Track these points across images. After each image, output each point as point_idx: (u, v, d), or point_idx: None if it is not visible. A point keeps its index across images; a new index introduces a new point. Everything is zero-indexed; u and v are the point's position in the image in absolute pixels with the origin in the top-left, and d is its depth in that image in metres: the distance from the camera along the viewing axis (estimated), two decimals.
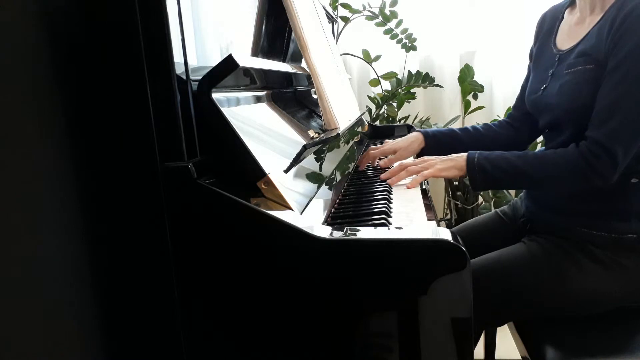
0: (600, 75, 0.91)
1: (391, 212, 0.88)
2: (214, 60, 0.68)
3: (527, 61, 1.19)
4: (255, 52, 0.98)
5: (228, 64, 0.64)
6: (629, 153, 0.89)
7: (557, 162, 0.94)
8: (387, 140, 1.33)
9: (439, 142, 1.23)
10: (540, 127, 1.09)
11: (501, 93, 2.19)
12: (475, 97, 2.08)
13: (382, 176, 1.10)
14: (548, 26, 1.12)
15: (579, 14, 1.03)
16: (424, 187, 1.06)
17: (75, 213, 0.58)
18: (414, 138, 1.24)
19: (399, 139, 1.25)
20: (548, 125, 1.06)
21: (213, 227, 0.61)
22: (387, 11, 2.06)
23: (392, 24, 2.08)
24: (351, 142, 1.31)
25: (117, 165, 0.61)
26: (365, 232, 0.61)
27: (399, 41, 2.10)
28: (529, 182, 1.00)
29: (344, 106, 1.20)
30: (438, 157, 1.06)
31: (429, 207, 0.90)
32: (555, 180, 0.96)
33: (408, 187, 1.04)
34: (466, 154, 1.01)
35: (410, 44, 2.09)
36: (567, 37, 1.05)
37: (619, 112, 0.88)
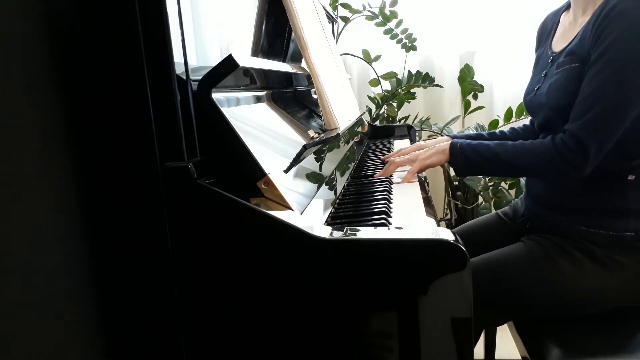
0: (584, 72, 0.92)
1: (391, 212, 0.87)
2: (214, 60, 0.68)
3: (527, 62, 1.20)
4: (255, 52, 0.98)
5: (228, 64, 0.64)
6: (603, 146, 0.90)
7: (532, 151, 0.96)
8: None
9: None
10: (536, 128, 1.10)
11: (501, 93, 2.19)
12: (475, 97, 2.09)
13: (376, 175, 1.14)
14: (547, 31, 1.15)
15: (572, 16, 1.05)
16: (424, 185, 1.06)
17: (75, 213, 0.58)
18: (443, 139, 1.27)
19: (429, 141, 1.27)
20: (542, 125, 1.06)
21: (213, 227, 0.61)
22: (387, 11, 2.06)
23: (392, 24, 2.08)
24: (351, 142, 1.32)
25: (117, 165, 0.61)
26: (365, 232, 0.61)
27: (399, 41, 2.10)
28: (506, 169, 1.02)
29: (344, 106, 1.20)
30: (425, 148, 1.11)
31: (429, 207, 0.90)
32: (531, 168, 0.99)
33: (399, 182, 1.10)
34: (451, 140, 1.06)
35: (410, 44, 2.09)
36: (561, 39, 1.07)
37: (597, 104, 0.88)
